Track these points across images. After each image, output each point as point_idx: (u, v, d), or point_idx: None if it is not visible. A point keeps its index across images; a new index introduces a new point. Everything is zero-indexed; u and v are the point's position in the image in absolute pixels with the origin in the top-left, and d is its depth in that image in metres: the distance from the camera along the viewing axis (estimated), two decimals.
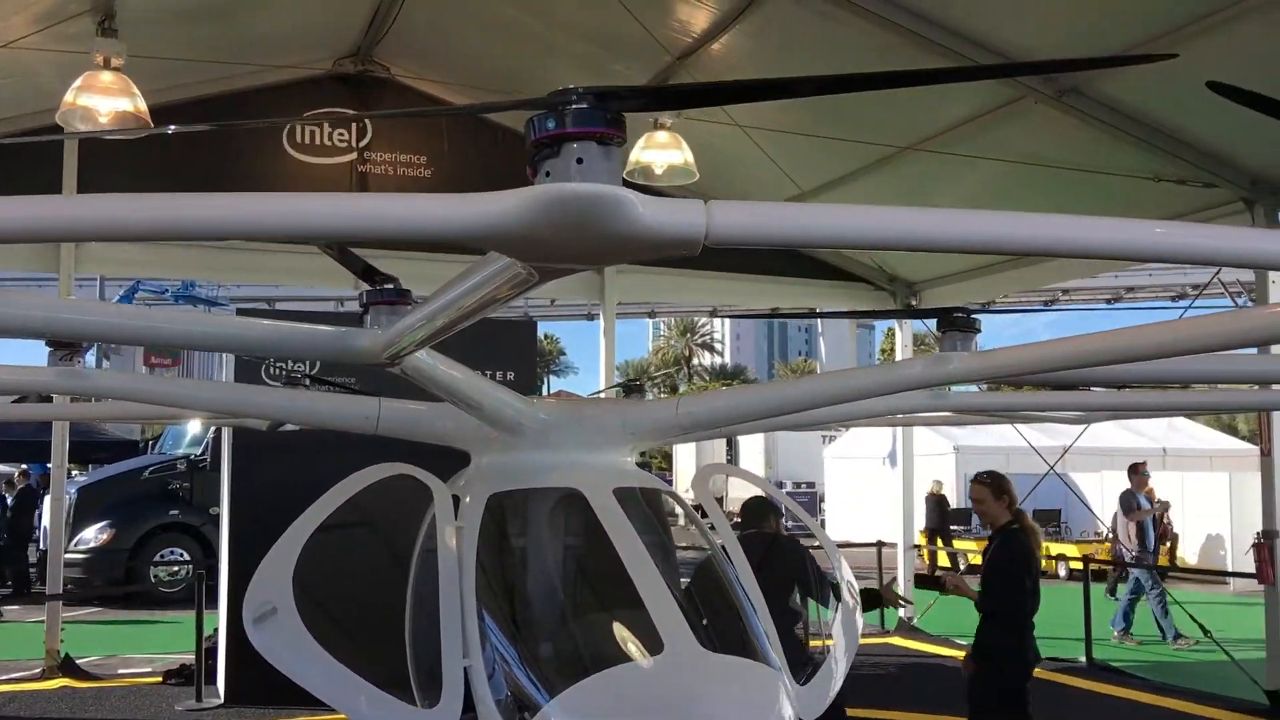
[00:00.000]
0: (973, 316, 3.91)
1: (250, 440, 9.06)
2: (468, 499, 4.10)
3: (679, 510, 4.92)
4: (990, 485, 5.93)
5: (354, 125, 11.43)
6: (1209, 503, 20.91)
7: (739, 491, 33.84)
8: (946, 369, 3.86)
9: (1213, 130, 8.67)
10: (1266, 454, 9.57)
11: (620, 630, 3.62)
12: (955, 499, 24.01)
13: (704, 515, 4.84)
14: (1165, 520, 15.25)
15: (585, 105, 2.00)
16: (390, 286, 3.49)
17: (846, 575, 4.98)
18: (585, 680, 3.41)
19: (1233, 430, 36.45)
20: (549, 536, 4.22)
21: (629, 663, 3.46)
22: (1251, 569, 9.77)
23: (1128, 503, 14.17)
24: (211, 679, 9.46)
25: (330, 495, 4.10)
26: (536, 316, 33.89)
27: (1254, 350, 6.30)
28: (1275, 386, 9.31)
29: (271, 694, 8.59)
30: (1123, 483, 22.18)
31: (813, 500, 31.34)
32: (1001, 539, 5.88)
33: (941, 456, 23.96)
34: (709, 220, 2.06)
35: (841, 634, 4.70)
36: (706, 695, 3.38)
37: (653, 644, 3.42)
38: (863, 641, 4.33)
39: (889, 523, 13.88)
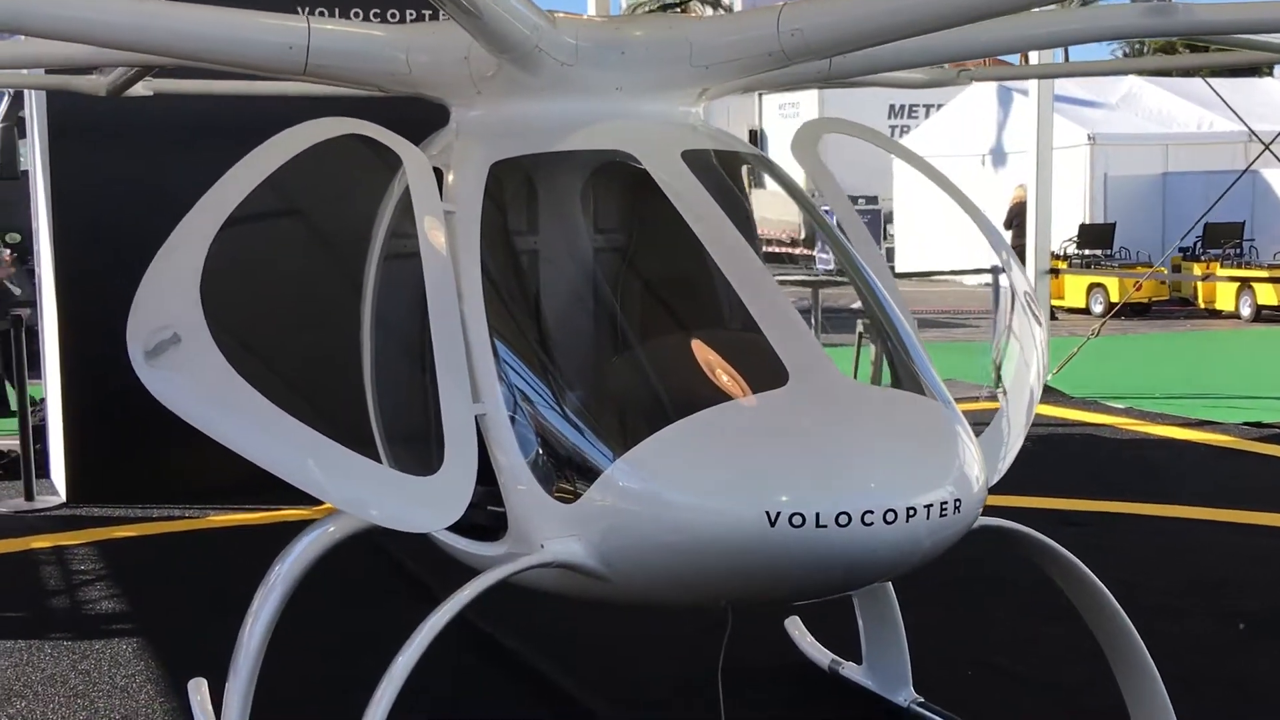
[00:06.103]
0: None
1: (74, 124, 8.17)
2: (456, 173, 3.59)
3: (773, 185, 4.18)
4: None
5: None
6: None
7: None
8: None
9: None
10: None
11: (718, 356, 3.27)
12: (1087, 213, 21.88)
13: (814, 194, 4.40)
14: None
15: None
16: None
17: (1023, 286, 4.30)
18: (671, 427, 2.99)
19: None
20: (589, 224, 3.88)
21: (735, 401, 3.07)
22: None
23: None
24: (44, 470, 8.98)
25: (245, 168, 3.37)
26: None
27: None
28: None
29: (129, 488, 8.16)
30: None
31: (875, 220, 29.87)
32: None
33: (1072, 150, 20.86)
34: None
35: (1021, 374, 4.08)
36: (863, 441, 2.96)
37: (771, 374, 3.03)
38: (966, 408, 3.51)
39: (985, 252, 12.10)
